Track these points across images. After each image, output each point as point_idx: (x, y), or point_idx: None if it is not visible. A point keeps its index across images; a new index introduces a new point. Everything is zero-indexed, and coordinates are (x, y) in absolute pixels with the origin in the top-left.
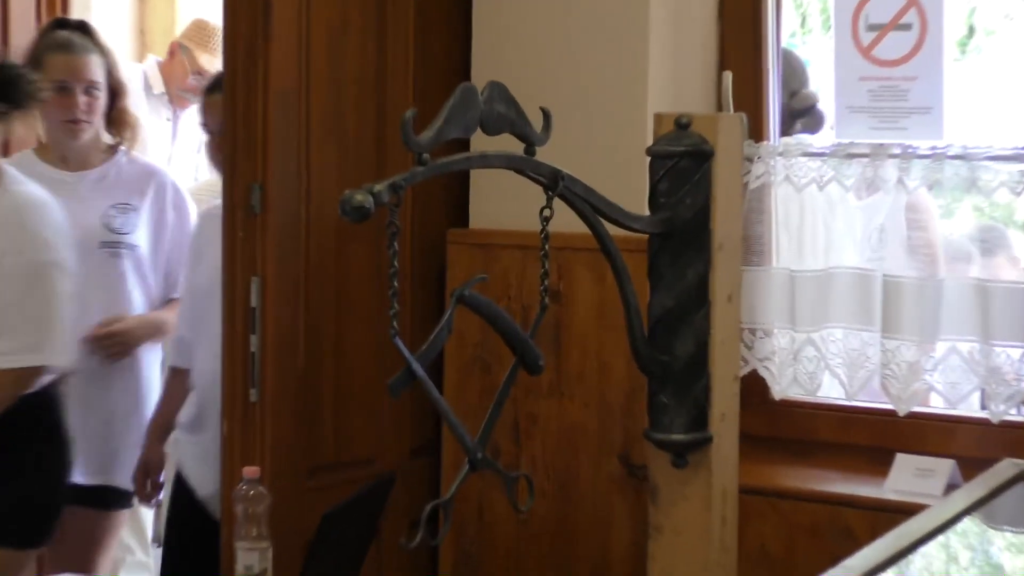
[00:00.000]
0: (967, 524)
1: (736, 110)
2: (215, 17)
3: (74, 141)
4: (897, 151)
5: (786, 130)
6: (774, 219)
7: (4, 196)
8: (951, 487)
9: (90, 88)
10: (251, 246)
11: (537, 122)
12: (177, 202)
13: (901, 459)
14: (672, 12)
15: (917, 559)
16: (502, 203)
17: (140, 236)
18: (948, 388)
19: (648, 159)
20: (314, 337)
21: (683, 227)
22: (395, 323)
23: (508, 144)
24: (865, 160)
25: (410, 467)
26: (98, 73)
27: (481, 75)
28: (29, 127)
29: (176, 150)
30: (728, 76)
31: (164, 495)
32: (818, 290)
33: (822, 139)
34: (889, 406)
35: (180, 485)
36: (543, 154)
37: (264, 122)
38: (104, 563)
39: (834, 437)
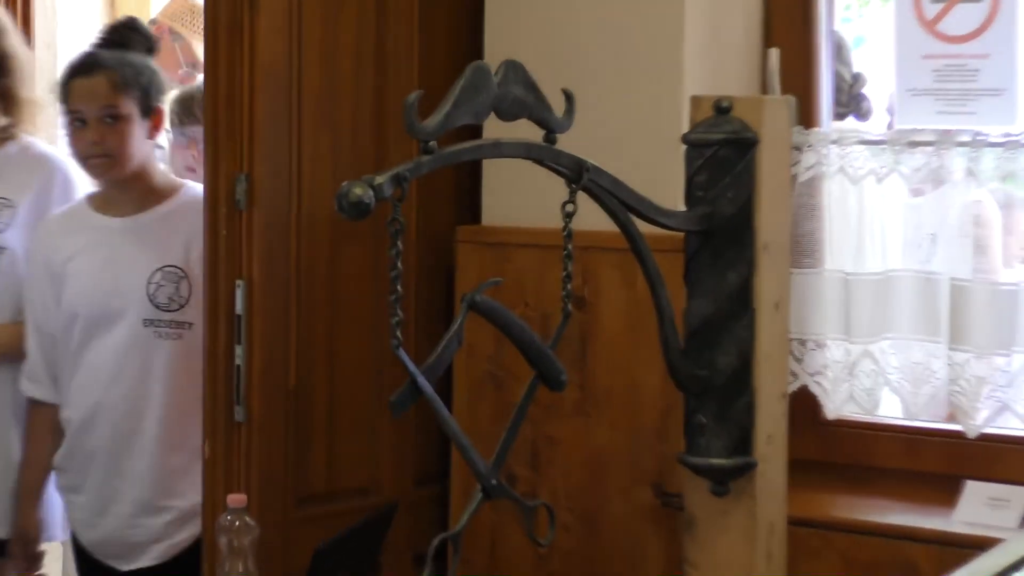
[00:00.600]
0: None
1: (783, 92)
2: None
3: None
4: (965, 139)
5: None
6: (826, 215)
7: None
8: None
9: None
10: (235, 246)
11: (558, 106)
12: (65, 197)
13: (971, 487)
14: None
15: None
16: (518, 197)
17: (13, 236)
18: None
19: (684, 148)
20: (306, 348)
21: (723, 224)
22: (398, 333)
23: (525, 131)
24: (929, 149)
25: (414, 496)
26: None
27: (495, 53)
28: None
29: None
30: (774, 54)
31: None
32: (876, 296)
33: (880, 126)
34: (957, 427)
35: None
36: (565, 142)
37: (249, 105)
38: None
39: (895, 462)
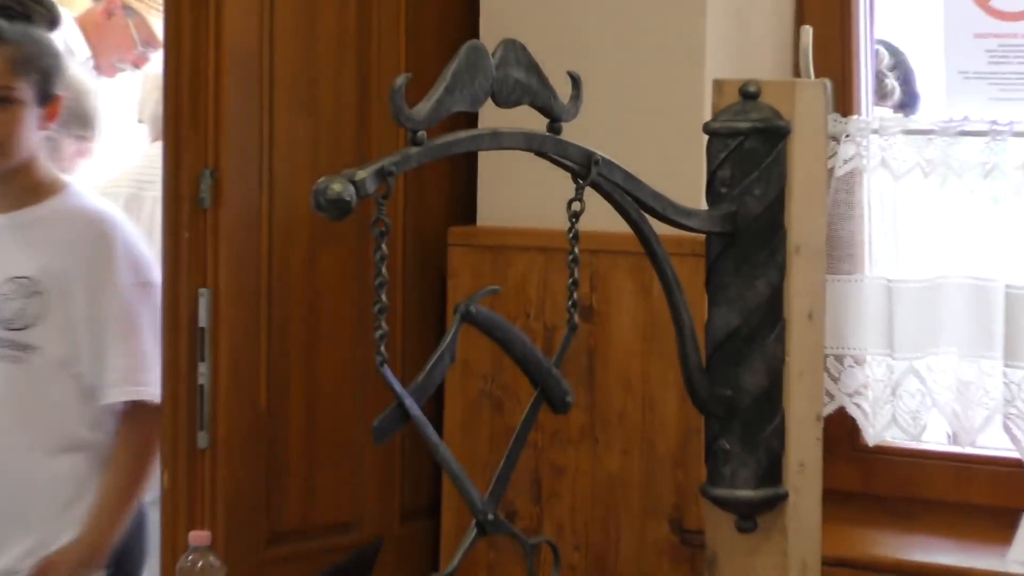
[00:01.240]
0: None
1: (818, 75)
2: None
3: None
4: (1023, 128)
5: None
6: (867, 214)
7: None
8: None
9: None
10: (199, 249)
11: (563, 91)
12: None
13: None
14: None
15: None
16: (518, 195)
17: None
18: None
19: (705, 138)
20: (280, 365)
21: (750, 225)
22: (382, 348)
23: (527, 119)
24: (983, 140)
25: (401, 532)
26: None
27: (492, 31)
28: None
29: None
30: (808, 32)
31: None
32: (923, 306)
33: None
34: (1014, 454)
35: None
36: (571, 132)
37: (216, 91)
38: None
39: (943, 494)
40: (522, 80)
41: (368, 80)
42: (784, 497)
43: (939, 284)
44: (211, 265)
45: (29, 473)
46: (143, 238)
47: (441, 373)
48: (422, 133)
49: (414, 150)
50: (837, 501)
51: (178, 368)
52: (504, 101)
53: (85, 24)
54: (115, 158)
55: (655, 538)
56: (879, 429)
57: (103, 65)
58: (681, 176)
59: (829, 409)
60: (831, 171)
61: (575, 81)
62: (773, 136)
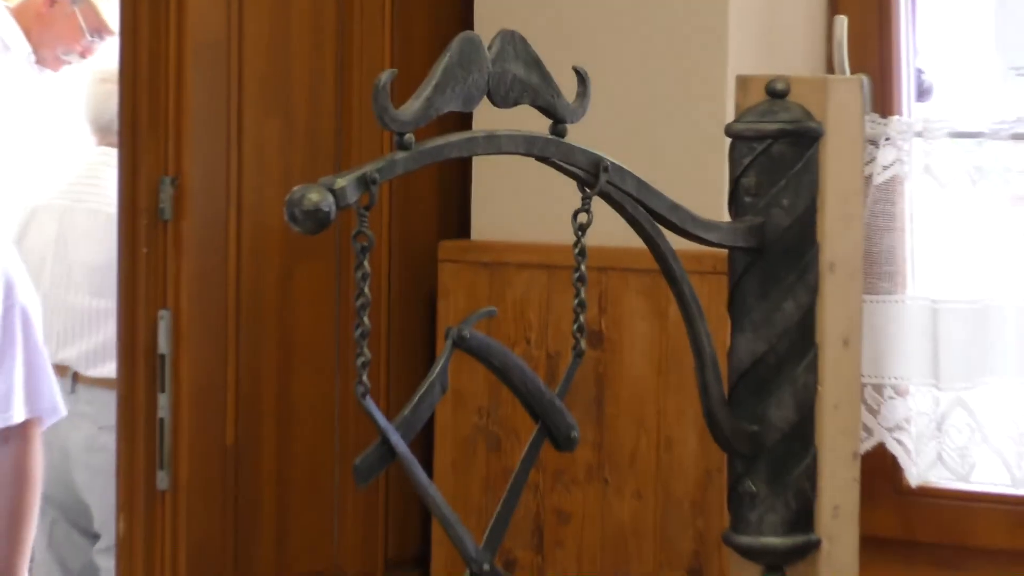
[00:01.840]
0: None
1: (854, 70)
2: None
3: None
4: None
5: None
6: (909, 227)
7: None
8: None
9: None
10: (158, 266)
11: (569, 89)
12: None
13: None
14: None
15: None
16: (517, 205)
17: None
18: None
19: (728, 142)
20: (249, 396)
21: (779, 239)
22: (364, 377)
23: (527, 121)
24: None
25: None
26: None
27: (488, 22)
28: None
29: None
30: (842, 22)
31: None
32: (973, 330)
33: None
34: None
35: None
36: (578, 134)
37: (177, 88)
38: None
39: (995, 541)
40: (522, 76)
41: (349, 76)
42: (816, 545)
43: (990, 306)
44: (172, 284)
45: None
46: (8, 255)
47: (431, 406)
48: (409, 136)
49: (400, 155)
50: (876, 549)
51: (135, 400)
52: (502, 100)
53: (24, 14)
54: (54, 166)
55: None
56: (923, 468)
57: (47, 58)
58: (701, 184)
59: (867, 446)
60: (869, 178)
61: (581, 77)
62: (804, 139)
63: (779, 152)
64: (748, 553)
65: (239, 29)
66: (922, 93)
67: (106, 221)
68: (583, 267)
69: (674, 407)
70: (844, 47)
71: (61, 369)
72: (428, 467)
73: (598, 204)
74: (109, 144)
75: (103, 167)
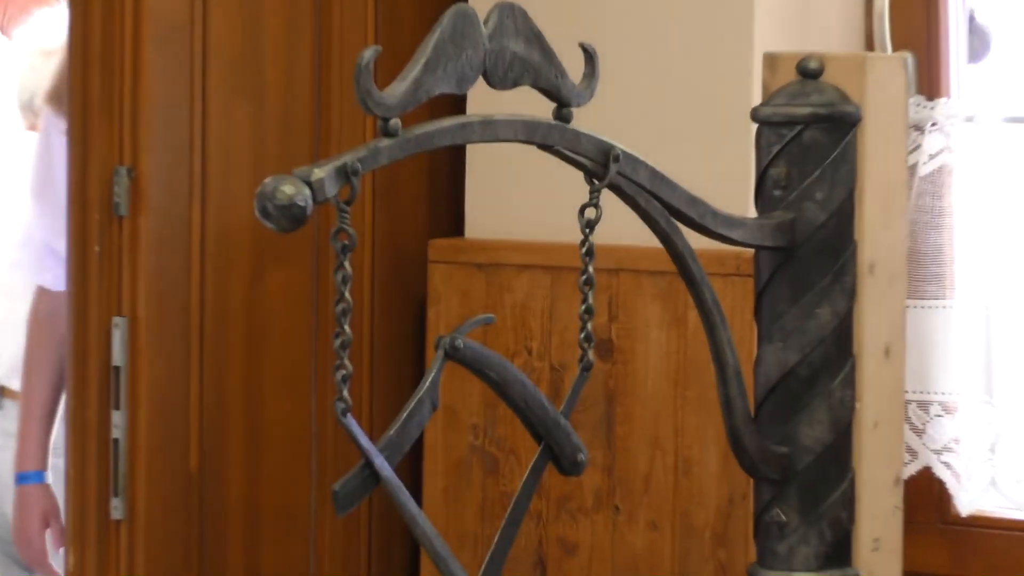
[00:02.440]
0: None
1: (897, 47)
2: None
3: None
4: None
5: None
6: (958, 224)
7: None
8: None
9: None
10: (112, 268)
11: (574, 68)
12: None
13: None
14: None
15: None
16: (516, 199)
17: None
18: None
19: (755, 127)
20: (215, 415)
21: (812, 237)
22: (345, 393)
23: (528, 104)
24: None
25: None
26: None
27: None
28: None
29: None
30: None
31: None
32: None
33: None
34: None
35: None
36: (585, 119)
37: (134, 72)
38: None
39: None
40: (521, 54)
41: (328, 54)
42: None
43: None
44: (128, 288)
45: None
46: None
47: (420, 424)
48: (395, 121)
49: (385, 143)
50: None
51: (86, 418)
52: (499, 81)
53: None
54: None
55: None
56: (974, 495)
57: None
58: (723, 176)
59: (911, 470)
60: (913, 169)
61: (588, 55)
62: (839, 125)
63: (812, 139)
64: None
65: (204, 5)
66: (974, 53)
67: None
68: (591, 269)
69: (693, 426)
70: (886, 20)
71: None
72: (416, 493)
73: (608, 198)
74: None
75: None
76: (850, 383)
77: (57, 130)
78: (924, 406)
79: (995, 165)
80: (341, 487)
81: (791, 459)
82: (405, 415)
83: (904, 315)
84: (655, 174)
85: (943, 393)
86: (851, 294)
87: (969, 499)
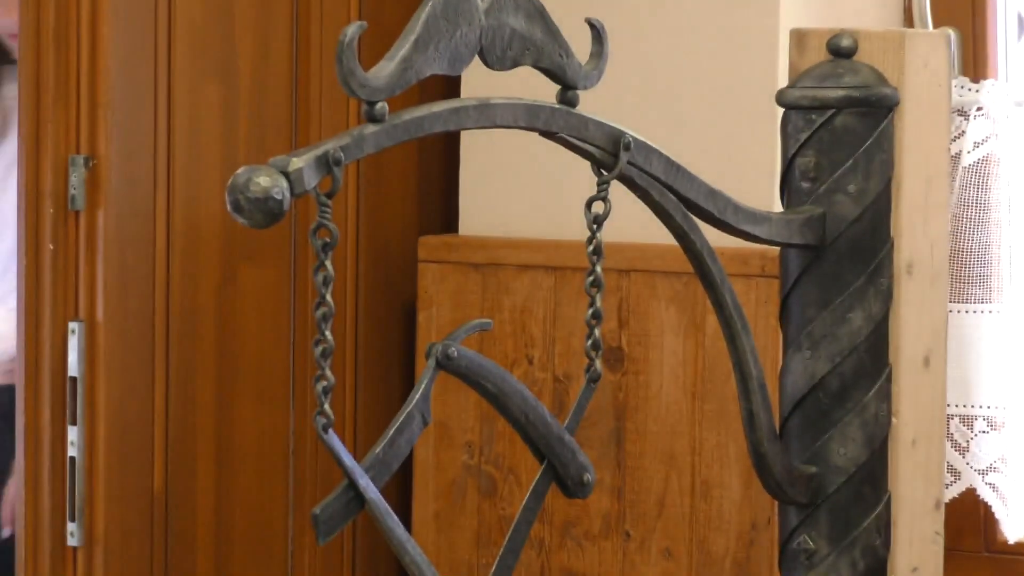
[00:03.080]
0: None
1: (938, 23)
2: None
3: None
4: None
5: None
6: (1006, 219)
7: None
8: None
9: None
10: (68, 267)
11: (581, 48)
12: None
13: None
14: None
15: None
16: (516, 193)
17: None
18: None
19: (781, 112)
20: (182, 430)
21: (844, 234)
22: (326, 406)
23: (529, 87)
24: None
25: None
26: None
27: None
28: None
29: None
30: None
31: None
32: None
33: None
34: None
35: None
36: (592, 102)
37: (92, 50)
38: None
39: None
40: (522, 31)
41: (307, 31)
42: None
43: None
44: (85, 290)
45: None
46: None
47: (409, 441)
48: (382, 105)
49: (371, 129)
50: None
51: (38, 434)
52: (497, 60)
53: None
54: None
55: None
56: (1022, 520)
57: None
58: (746, 166)
59: (954, 492)
60: (956, 158)
61: (597, 33)
62: (875, 109)
63: (844, 125)
64: None
65: None
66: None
67: None
68: (599, 269)
69: (712, 443)
70: None
71: None
72: (406, 517)
73: (618, 191)
74: None
75: None
76: (886, 396)
77: None
78: (967, 421)
79: None
80: (322, 511)
81: (820, 480)
82: (393, 431)
83: (946, 320)
84: (670, 164)
85: (988, 407)
86: (887, 297)
87: (1017, 524)
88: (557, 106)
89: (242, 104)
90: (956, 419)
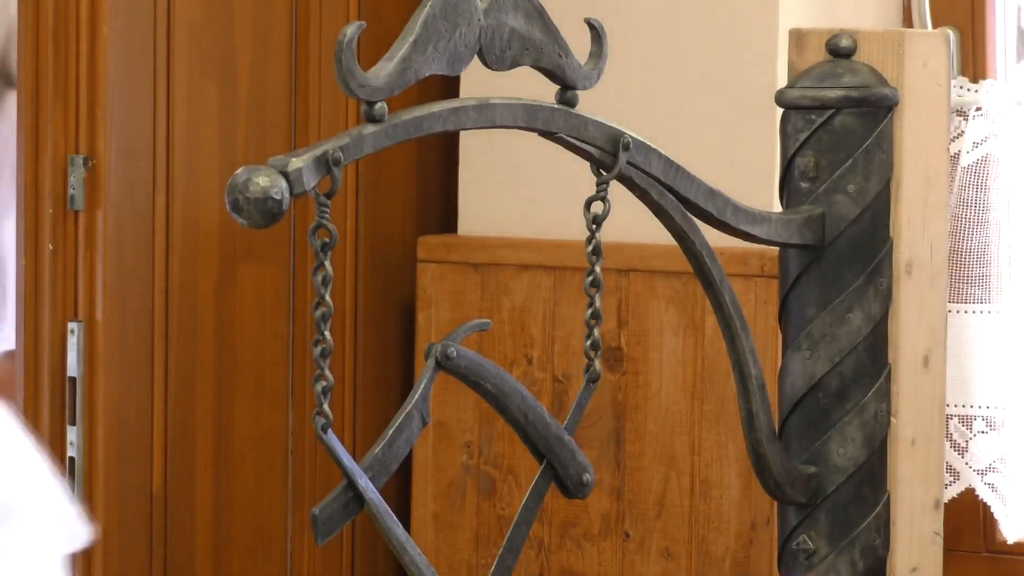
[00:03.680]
0: None
1: (937, 23)
2: None
3: None
4: None
5: None
6: (1005, 219)
7: None
8: None
9: None
10: (68, 268)
11: (580, 48)
12: None
13: None
14: None
15: None
16: (515, 193)
17: None
18: None
19: (780, 112)
20: (181, 431)
21: (843, 234)
22: (325, 406)
23: (528, 87)
24: None
25: None
26: None
27: None
28: None
29: None
30: None
31: None
32: None
33: None
34: None
35: None
36: (592, 102)
37: (91, 50)
38: None
39: None
40: (521, 31)
41: (306, 31)
42: None
43: None
44: (84, 290)
45: None
46: None
47: (408, 442)
48: (381, 105)
49: (370, 129)
50: None
51: (38, 434)
52: (496, 60)
53: None
54: None
55: None
56: (1022, 520)
57: None
58: (745, 166)
59: (953, 492)
60: (955, 158)
61: (596, 33)
62: (874, 109)
63: (843, 125)
64: None
65: None
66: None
67: None
68: (598, 269)
69: (712, 443)
70: None
71: None
72: (405, 518)
73: (617, 191)
74: None
75: None
76: (885, 396)
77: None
78: (967, 421)
79: None
80: (321, 511)
81: (820, 480)
82: (392, 431)
83: (945, 321)
84: (670, 164)
85: (988, 407)
86: (886, 297)
87: (1016, 524)
88: (556, 106)
89: (241, 104)
90: (955, 419)
